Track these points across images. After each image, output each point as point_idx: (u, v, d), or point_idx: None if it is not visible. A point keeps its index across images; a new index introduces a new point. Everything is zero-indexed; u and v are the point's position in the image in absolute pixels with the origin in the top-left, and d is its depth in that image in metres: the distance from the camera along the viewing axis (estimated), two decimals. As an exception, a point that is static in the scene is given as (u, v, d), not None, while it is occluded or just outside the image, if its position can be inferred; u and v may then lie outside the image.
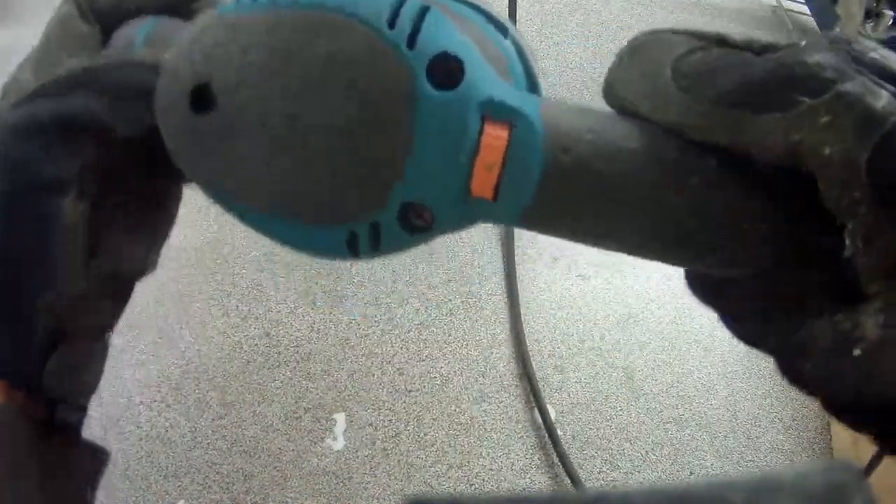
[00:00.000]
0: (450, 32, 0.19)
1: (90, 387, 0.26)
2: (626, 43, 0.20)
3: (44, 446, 0.22)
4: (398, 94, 0.18)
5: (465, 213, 0.20)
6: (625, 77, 0.19)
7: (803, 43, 0.16)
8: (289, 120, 0.19)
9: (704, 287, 0.21)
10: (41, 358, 0.23)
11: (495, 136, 0.19)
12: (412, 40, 0.19)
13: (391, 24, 0.19)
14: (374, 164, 0.19)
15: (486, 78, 0.19)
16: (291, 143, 0.19)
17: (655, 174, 0.18)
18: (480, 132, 0.19)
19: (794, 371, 0.17)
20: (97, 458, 0.25)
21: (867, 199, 0.15)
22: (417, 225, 0.20)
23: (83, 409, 0.25)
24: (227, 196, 0.22)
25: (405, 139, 0.19)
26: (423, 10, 0.19)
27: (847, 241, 0.16)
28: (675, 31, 0.18)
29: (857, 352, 0.15)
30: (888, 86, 0.15)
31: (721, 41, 0.17)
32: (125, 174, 0.23)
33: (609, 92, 0.20)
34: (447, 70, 0.19)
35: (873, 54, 0.15)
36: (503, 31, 0.21)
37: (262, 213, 0.22)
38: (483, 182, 0.19)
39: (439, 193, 0.19)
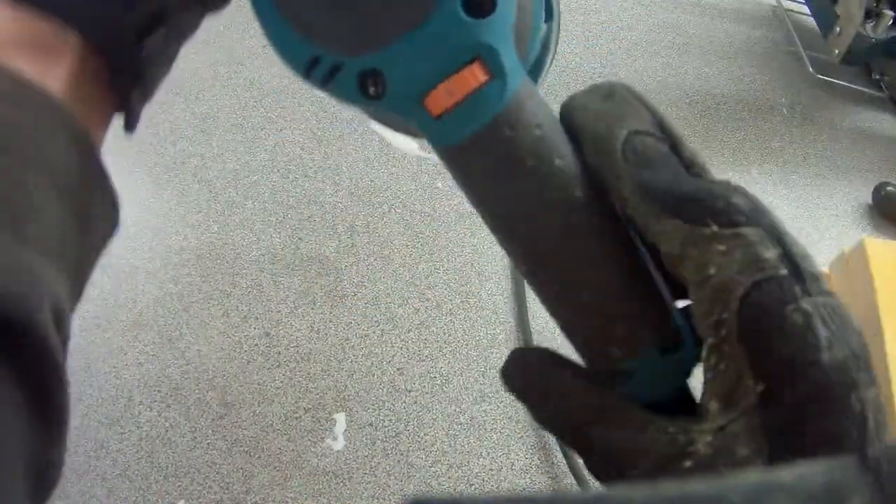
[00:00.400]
0: None
1: (154, 91, 0.26)
2: (602, 80, 0.22)
3: None
4: None
5: (407, 109, 0.21)
6: (587, 113, 0.21)
7: (735, 186, 0.19)
8: None
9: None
10: (136, 34, 0.23)
11: (472, 77, 0.20)
12: None
13: None
14: (381, 20, 0.21)
15: (501, 32, 0.21)
16: None
17: (557, 196, 0.20)
18: (465, 64, 0.21)
19: (614, 474, 0.19)
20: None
21: (729, 327, 0.17)
22: (369, 91, 0.22)
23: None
24: None
25: (413, 22, 0.20)
26: None
27: (702, 355, 0.18)
28: (648, 106, 0.20)
29: (687, 464, 0.16)
30: (781, 248, 0.17)
31: (675, 146, 0.20)
32: None
33: (567, 111, 0.22)
34: (480, 1, 0.21)
35: (788, 236, 0.18)
36: (549, 14, 0.23)
37: None
38: (437, 100, 0.21)
39: (402, 80, 0.21)
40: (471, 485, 0.56)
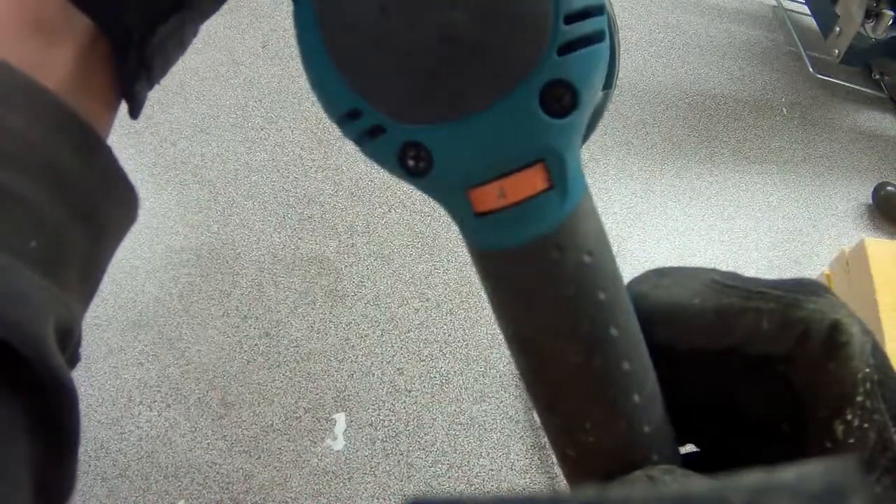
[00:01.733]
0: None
1: (161, 77, 0.25)
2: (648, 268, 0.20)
3: None
4: (534, 41, 0.17)
5: (448, 195, 0.18)
6: (660, 287, 0.19)
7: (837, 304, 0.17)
8: None
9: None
10: (150, 21, 0.22)
11: (531, 183, 0.17)
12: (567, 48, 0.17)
13: (567, 19, 0.17)
14: (445, 92, 0.17)
15: (572, 138, 0.18)
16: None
17: (589, 331, 0.18)
18: (526, 166, 0.17)
19: None
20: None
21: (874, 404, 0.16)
22: (408, 164, 0.18)
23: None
24: None
25: (480, 104, 0.17)
26: (600, 34, 0.17)
27: (836, 431, 0.17)
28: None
29: None
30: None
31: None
32: None
33: (644, 299, 0.19)
34: (558, 95, 0.17)
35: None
36: (609, 82, 0.18)
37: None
38: (485, 197, 0.18)
39: (451, 165, 0.18)
40: (471, 485, 0.56)
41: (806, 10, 1.04)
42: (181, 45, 0.25)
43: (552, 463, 0.59)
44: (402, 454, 0.57)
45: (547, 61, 0.17)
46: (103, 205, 0.23)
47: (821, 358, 0.18)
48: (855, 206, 0.85)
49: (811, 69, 0.98)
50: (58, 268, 0.21)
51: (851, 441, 0.16)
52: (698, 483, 0.12)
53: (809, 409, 0.18)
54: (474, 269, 0.20)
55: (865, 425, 0.16)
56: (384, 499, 0.54)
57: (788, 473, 0.12)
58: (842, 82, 0.99)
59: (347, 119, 0.18)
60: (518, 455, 0.58)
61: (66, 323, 0.21)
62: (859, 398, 0.16)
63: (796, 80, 0.98)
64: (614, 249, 0.20)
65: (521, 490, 0.56)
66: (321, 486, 0.54)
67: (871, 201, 0.86)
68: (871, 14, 0.88)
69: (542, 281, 0.18)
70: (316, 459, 0.55)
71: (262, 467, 0.54)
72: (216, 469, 0.53)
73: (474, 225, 0.18)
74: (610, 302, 0.18)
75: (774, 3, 1.08)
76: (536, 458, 0.58)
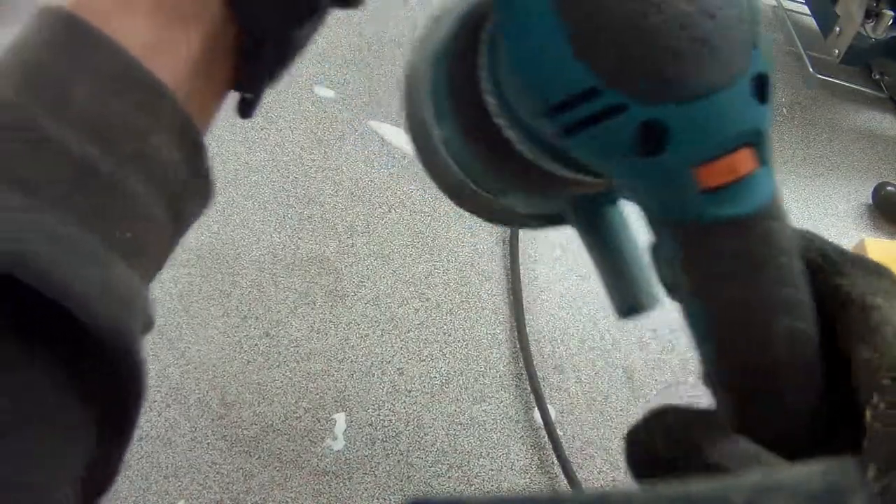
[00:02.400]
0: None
1: (278, 81, 0.24)
2: None
3: None
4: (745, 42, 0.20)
5: (675, 173, 0.20)
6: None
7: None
8: None
9: None
10: (288, 20, 0.21)
11: (749, 160, 0.20)
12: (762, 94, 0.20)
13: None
14: (696, 70, 0.19)
15: (770, 122, 0.21)
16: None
17: (793, 297, 0.20)
18: (745, 145, 0.20)
19: None
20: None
21: None
22: (643, 143, 0.20)
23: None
24: None
25: (721, 82, 0.19)
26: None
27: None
28: None
29: None
30: None
31: None
32: None
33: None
34: (763, 85, 0.20)
35: None
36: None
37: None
38: (713, 174, 0.20)
39: (688, 142, 0.19)
40: (471, 485, 0.56)
41: (806, 10, 1.04)
42: (301, 50, 0.25)
43: (552, 463, 0.59)
44: (402, 454, 0.57)
45: (756, 56, 0.20)
46: (190, 202, 0.23)
47: (853, 336, 0.18)
48: (855, 206, 0.85)
49: (811, 69, 0.98)
50: (141, 258, 0.21)
51: (878, 426, 0.16)
52: (699, 483, 0.12)
53: (846, 385, 0.18)
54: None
55: (893, 411, 0.16)
56: (384, 499, 0.54)
57: (788, 473, 0.12)
58: (842, 82, 0.99)
59: (581, 99, 0.19)
60: (518, 455, 0.58)
61: (148, 319, 0.21)
62: (886, 382, 0.16)
63: (796, 80, 0.98)
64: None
65: (521, 490, 0.56)
66: (321, 486, 0.54)
67: (871, 201, 0.86)
68: (871, 14, 0.88)
69: (763, 247, 0.20)
70: (316, 459, 0.55)
71: (262, 467, 0.54)
72: (216, 469, 0.53)
73: (698, 200, 0.20)
74: (803, 271, 0.20)
75: (774, 3, 1.08)
76: (536, 458, 0.58)
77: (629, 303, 0.29)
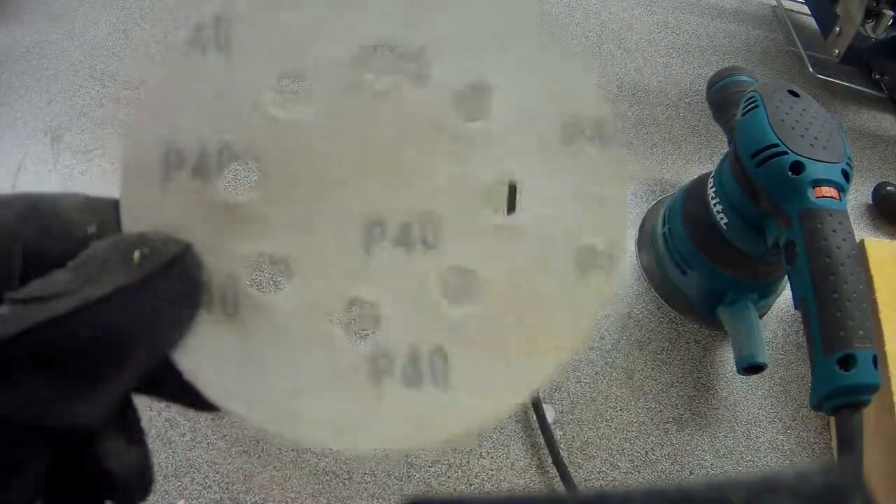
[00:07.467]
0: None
1: None
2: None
3: None
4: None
5: (798, 189, 0.48)
6: None
7: None
8: None
9: None
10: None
11: (838, 185, 0.49)
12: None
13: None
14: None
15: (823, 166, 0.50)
16: None
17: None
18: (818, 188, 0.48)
19: None
20: None
21: None
22: (792, 171, 0.50)
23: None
24: None
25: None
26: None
27: None
28: None
29: None
30: None
31: None
32: None
33: None
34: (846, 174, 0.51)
35: None
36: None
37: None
38: (824, 191, 0.47)
39: (816, 172, 0.49)
40: (471, 485, 0.56)
41: (806, 10, 1.04)
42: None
43: (552, 463, 0.59)
44: (401, 454, 0.57)
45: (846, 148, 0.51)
46: None
47: None
48: (855, 206, 0.85)
49: (811, 69, 0.98)
50: None
51: None
52: (699, 483, 0.12)
53: None
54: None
55: None
56: (384, 499, 0.54)
57: (788, 473, 0.12)
58: (842, 82, 0.99)
59: (772, 148, 0.49)
60: (518, 455, 0.58)
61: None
62: None
63: (796, 80, 0.98)
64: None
65: (521, 490, 0.56)
66: (321, 486, 0.54)
67: (871, 201, 0.86)
68: (871, 14, 0.88)
69: (839, 222, 0.46)
70: (316, 459, 0.55)
71: (262, 467, 0.54)
72: (216, 469, 0.53)
73: (810, 203, 0.47)
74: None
75: (774, 3, 1.08)
76: (536, 458, 0.58)
77: (755, 360, 0.56)
